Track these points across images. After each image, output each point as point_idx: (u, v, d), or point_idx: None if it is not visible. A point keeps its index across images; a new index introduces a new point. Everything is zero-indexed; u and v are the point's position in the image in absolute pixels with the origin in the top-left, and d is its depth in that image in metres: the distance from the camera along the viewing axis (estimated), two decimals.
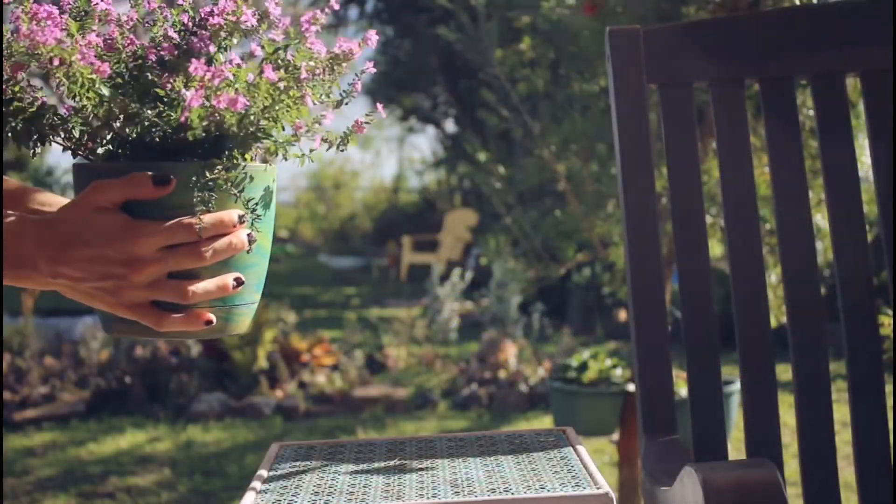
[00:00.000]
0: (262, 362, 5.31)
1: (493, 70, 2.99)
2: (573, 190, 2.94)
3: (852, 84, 2.13)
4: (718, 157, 1.31)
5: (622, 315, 6.79)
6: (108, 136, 0.87)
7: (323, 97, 0.90)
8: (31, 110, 0.86)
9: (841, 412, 1.22)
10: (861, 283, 1.27)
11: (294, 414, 5.01)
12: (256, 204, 0.89)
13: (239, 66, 0.87)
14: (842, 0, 1.37)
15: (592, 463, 0.96)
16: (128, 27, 0.89)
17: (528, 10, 3.04)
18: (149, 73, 0.86)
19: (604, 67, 2.23)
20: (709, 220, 2.63)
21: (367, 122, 0.91)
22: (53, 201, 0.98)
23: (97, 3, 0.88)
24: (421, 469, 0.99)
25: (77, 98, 0.84)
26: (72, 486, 3.98)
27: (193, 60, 0.84)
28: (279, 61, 0.88)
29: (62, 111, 0.86)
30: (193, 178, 0.84)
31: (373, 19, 11.85)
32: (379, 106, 0.92)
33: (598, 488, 0.89)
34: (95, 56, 0.84)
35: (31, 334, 5.52)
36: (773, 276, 2.63)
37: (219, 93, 0.83)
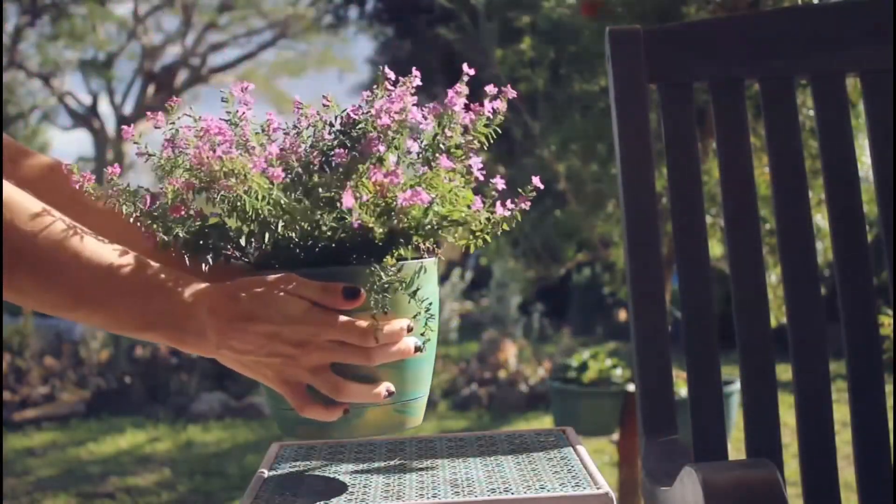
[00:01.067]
0: None
1: (494, 70, 2.99)
2: (573, 190, 2.94)
3: (852, 84, 2.13)
4: (718, 157, 1.31)
5: (622, 315, 6.79)
6: (271, 240, 0.88)
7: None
8: (199, 223, 0.88)
9: (841, 412, 1.22)
10: (861, 283, 1.27)
11: None
12: (430, 303, 0.90)
13: (411, 163, 0.88)
14: (842, 0, 1.37)
15: (592, 463, 0.96)
16: (294, 134, 0.91)
17: (528, 10, 3.04)
18: (319, 177, 0.87)
19: (604, 67, 2.23)
20: (709, 220, 2.63)
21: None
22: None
23: (270, 121, 0.90)
24: (421, 469, 0.99)
25: (255, 211, 0.84)
26: (72, 486, 3.98)
27: (371, 166, 0.85)
28: (440, 145, 0.89)
29: (226, 220, 0.87)
30: (370, 281, 0.85)
31: (373, 19, 11.84)
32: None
33: (598, 488, 0.89)
34: (268, 164, 0.85)
35: (31, 334, 5.53)
36: (773, 276, 2.63)
37: (401, 191, 0.84)
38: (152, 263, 0.88)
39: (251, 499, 0.91)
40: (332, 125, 0.92)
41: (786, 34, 1.31)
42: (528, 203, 0.90)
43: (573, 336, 6.22)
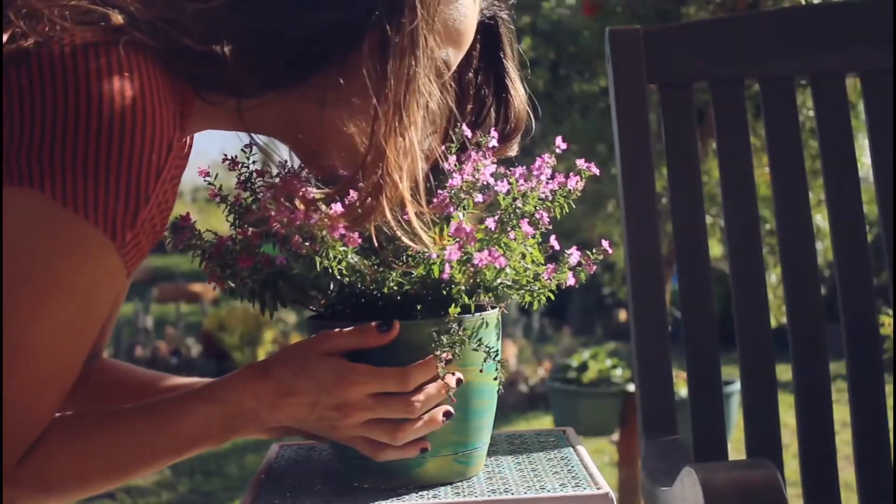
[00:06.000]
0: None
1: None
2: None
3: (852, 84, 2.13)
4: (718, 157, 1.31)
5: (622, 315, 6.79)
6: (336, 288, 0.90)
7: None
8: (268, 270, 0.89)
9: (841, 412, 1.22)
10: (861, 283, 1.27)
11: None
12: (496, 351, 0.90)
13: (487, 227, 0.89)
14: (842, 0, 1.37)
15: (592, 463, 0.96)
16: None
17: (528, 10, 3.04)
18: (387, 239, 0.88)
19: (604, 67, 2.23)
20: (709, 220, 2.63)
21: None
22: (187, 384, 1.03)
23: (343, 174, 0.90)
24: None
25: (328, 268, 0.85)
26: None
27: (453, 223, 0.87)
28: (516, 210, 0.90)
29: (296, 269, 0.88)
30: (435, 335, 0.86)
31: None
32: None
33: (598, 488, 0.88)
34: (343, 227, 0.85)
35: None
36: (773, 276, 2.63)
37: (477, 251, 0.85)
38: (179, 385, 0.91)
39: (251, 499, 0.91)
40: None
41: (786, 34, 1.31)
42: (594, 267, 0.91)
43: (573, 336, 6.22)
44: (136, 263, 0.82)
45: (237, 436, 0.89)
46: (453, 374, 0.88)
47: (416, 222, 0.84)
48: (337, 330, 0.88)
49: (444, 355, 0.86)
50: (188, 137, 0.95)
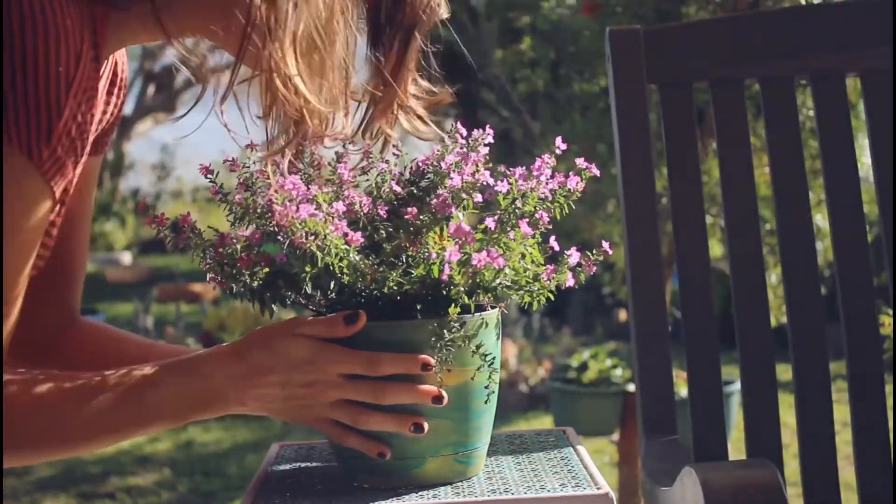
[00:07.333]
0: None
1: (494, 70, 2.99)
2: None
3: (852, 84, 2.13)
4: (718, 157, 1.31)
5: (622, 315, 6.78)
6: (336, 287, 0.90)
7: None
8: (266, 270, 0.89)
9: (841, 412, 1.22)
10: (861, 283, 1.27)
11: None
12: (494, 356, 0.90)
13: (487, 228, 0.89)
14: (842, 0, 1.37)
15: (592, 463, 0.96)
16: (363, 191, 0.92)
17: (528, 10, 3.04)
18: (387, 236, 0.88)
19: (604, 67, 2.23)
20: (709, 220, 2.63)
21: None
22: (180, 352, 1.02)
23: (342, 174, 0.91)
24: None
25: (329, 266, 0.86)
26: (72, 486, 3.98)
27: (453, 223, 0.87)
28: (516, 210, 0.90)
29: (296, 269, 0.88)
30: (433, 339, 0.86)
31: None
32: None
33: (598, 488, 0.88)
34: (346, 225, 0.86)
35: None
36: (773, 276, 2.63)
37: (476, 251, 0.85)
38: (155, 364, 0.89)
39: (251, 499, 0.91)
40: (401, 174, 0.93)
41: (786, 34, 1.31)
42: (594, 268, 0.91)
43: (573, 336, 6.22)
44: (59, 183, 0.81)
45: (202, 414, 0.89)
46: (439, 388, 0.88)
47: (309, 97, 0.84)
48: (309, 318, 0.90)
49: (428, 357, 0.87)
50: (112, 56, 0.95)
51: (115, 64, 0.97)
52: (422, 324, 0.88)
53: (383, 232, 0.88)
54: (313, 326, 0.89)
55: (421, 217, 0.87)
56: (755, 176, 1.31)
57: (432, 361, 0.87)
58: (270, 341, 0.89)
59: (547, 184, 0.91)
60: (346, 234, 0.84)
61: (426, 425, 0.88)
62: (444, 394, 0.88)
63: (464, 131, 0.93)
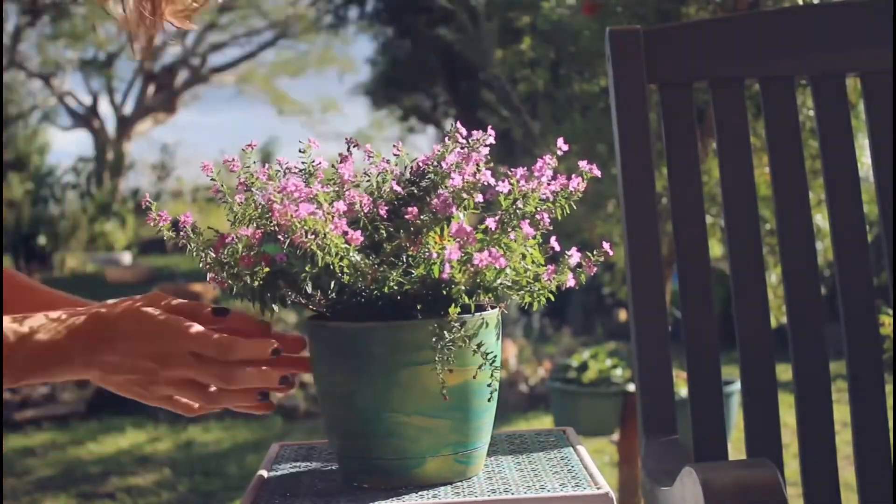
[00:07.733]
0: None
1: (494, 70, 2.99)
2: None
3: (852, 84, 2.13)
4: (718, 157, 1.31)
5: (622, 315, 6.78)
6: (336, 287, 0.90)
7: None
8: (266, 269, 0.89)
9: (841, 412, 1.22)
10: (861, 283, 1.27)
11: (294, 414, 5.01)
12: (494, 355, 0.90)
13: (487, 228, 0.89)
14: (842, 0, 1.37)
15: (592, 463, 0.96)
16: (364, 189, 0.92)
17: (528, 10, 3.04)
18: (388, 235, 0.88)
19: (604, 67, 2.23)
20: (709, 220, 2.63)
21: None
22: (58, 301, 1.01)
23: (343, 174, 0.91)
24: None
25: (329, 266, 0.86)
26: (72, 486, 3.98)
27: (454, 223, 0.87)
28: (517, 210, 0.90)
29: (297, 269, 0.88)
30: (434, 339, 0.86)
31: (373, 19, 11.84)
32: None
33: (598, 488, 0.89)
34: (346, 223, 0.86)
35: None
36: (773, 276, 2.63)
37: (477, 251, 0.85)
38: (47, 314, 0.88)
39: (251, 499, 0.91)
40: (402, 174, 0.93)
41: (786, 34, 1.31)
42: (595, 269, 0.91)
43: (573, 336, 6.22)
44: None
45: (48, 373, 0.87)
46: (292, 375, 0.90)
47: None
48: (174, 297, 0.90)
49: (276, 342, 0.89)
50: None
51: None
52: (422, 324, 0.87)
53: (384, 231, 0.88)
54: (180, 304, 0.89)
55: (421, 217, 0.87)
56: (755, 176, 1.31)
57: (277, 346, 0.88)
58: (129, 307, 0.88)
59: (549, 185, 0.91)
60: (345, 233, 0.84)
61: (290, 378, 0.90)
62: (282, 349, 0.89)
63: (464, 131, 0.93)
